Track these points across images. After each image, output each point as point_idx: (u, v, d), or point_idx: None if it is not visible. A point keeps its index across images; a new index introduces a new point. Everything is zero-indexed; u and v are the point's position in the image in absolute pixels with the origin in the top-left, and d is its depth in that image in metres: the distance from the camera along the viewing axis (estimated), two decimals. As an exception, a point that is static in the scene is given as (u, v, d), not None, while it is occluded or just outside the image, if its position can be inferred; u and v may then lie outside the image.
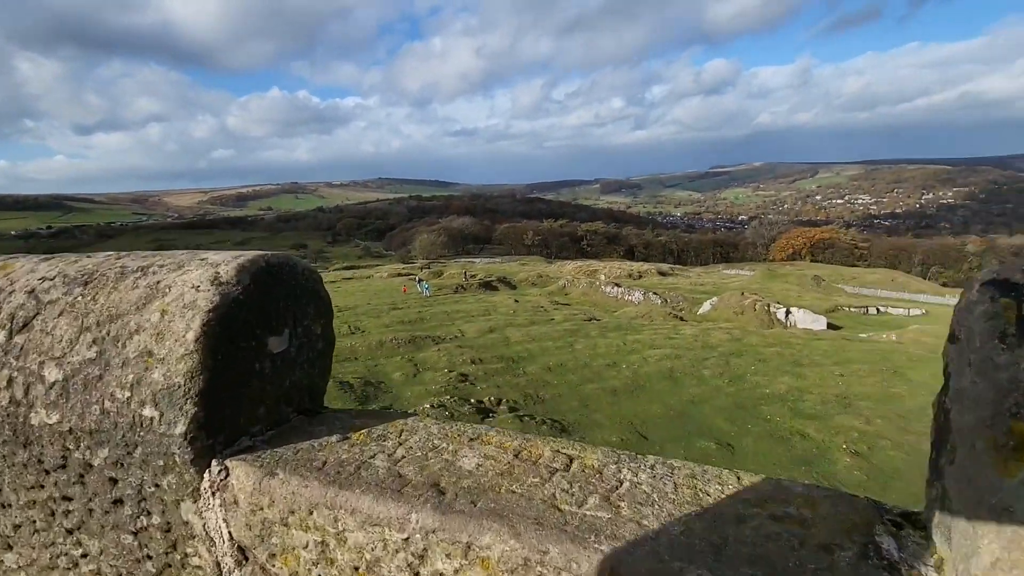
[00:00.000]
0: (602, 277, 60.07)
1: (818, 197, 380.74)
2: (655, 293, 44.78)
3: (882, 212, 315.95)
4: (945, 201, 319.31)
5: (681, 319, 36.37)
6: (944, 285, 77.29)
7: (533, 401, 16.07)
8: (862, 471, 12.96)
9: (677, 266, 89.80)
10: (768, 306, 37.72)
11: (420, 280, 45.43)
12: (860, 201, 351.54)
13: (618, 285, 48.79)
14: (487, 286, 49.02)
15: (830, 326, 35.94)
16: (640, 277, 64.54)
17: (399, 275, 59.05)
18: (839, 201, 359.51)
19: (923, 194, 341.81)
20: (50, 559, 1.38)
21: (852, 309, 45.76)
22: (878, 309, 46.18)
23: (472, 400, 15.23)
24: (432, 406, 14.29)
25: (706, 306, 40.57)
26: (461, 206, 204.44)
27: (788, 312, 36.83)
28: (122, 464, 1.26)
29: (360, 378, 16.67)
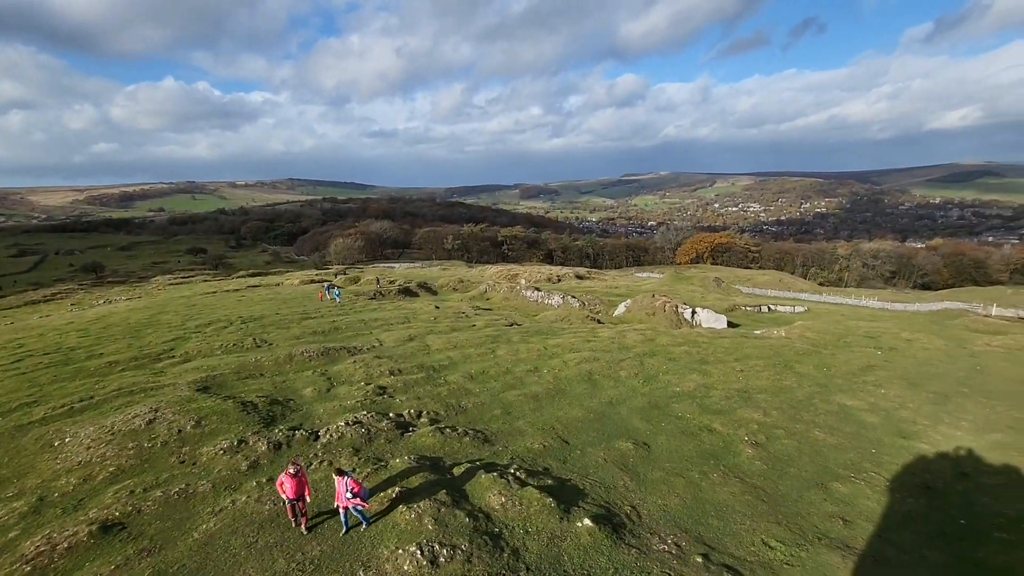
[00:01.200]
0: (523, 281, 60.83)
1: (716, 205, 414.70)
2: (573, 296, 46.04)
3: (770, 219, 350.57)
4: (819, 210, 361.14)
5: (598, 322, 37.65)
6: (821, 284, 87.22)
7: (455, 411, 15.69)
8: (762, 460, 14.00)
9: (594, 270, 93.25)
10: (676, 307, 40.14)
11: (331, 287, 43.30)
12: (751, 209, 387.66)
13: (538, 289, 49.59)
14: (407, 292, 47.72)
15: (730, 324, 38.96)
16: (559, 281, 66.15)
17: (312, 281, 55.80)
18: (734, 208, 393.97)
19: (802, 203, 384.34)
20: None
21: (748, 308, 50.02)
22: (769, 307, 50.90)
23: (391, 414, 14.55)
24: (347, 423, 13.45)
25: (621, 308, 42.38)
26: (379, 209, 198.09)
27: (694, 312, 39.42)
28: None
29: (265, 396, 15.34)
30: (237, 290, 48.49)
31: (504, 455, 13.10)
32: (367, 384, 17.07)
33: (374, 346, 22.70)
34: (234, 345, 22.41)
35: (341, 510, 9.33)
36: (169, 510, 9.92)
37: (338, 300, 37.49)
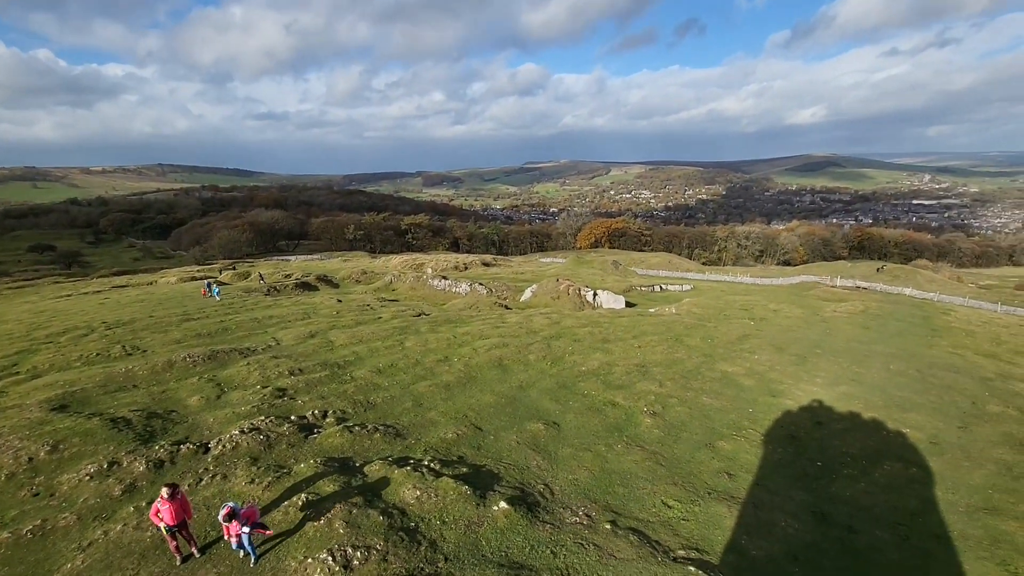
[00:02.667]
0: (429, 270, 59.89)
1: (612, 192, 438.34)
2: (481, 284, 46.27)
3: (659, 205, 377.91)
4: (701, 196, 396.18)
5: (506, 307, 38.25)
6: (704, 264, 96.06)
7: (363, 408, 15.11)
8: (660, 428, 15.19)
9: (500, 256, 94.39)
10: (579, 290, 41.98)
11: (210, 283, 39.62)
12: (643, 196, 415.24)
13: (445, 278, 49.14)
14: (305, 286, 44.84)
15: (628, 304, 41.58)
16: (466, 269, 66.06)
17: (194, 279, 50.37)
18: (628, 195, 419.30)
19: (686, 190, 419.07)
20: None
21: (643, 288, 53.71)
22: (661, 287, 55.06)
23: (292, 417, 13.65)
24: (242, 431, 12.39)
25: (527, 293, 43.41)
26: (269, 198, 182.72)
27: (595, 294, 41.49)
28: None
29: (140, 410, 13.63)
30: (99, 292, 42.35)
31: (418, 448, 12.90)
32: (264, 387, 15.83)
33: (270, 346, 21.09)
34: (98, 355, 19.60)
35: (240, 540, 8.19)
36: (21, 552, 8.48)
37: (217, 298, 34.49)
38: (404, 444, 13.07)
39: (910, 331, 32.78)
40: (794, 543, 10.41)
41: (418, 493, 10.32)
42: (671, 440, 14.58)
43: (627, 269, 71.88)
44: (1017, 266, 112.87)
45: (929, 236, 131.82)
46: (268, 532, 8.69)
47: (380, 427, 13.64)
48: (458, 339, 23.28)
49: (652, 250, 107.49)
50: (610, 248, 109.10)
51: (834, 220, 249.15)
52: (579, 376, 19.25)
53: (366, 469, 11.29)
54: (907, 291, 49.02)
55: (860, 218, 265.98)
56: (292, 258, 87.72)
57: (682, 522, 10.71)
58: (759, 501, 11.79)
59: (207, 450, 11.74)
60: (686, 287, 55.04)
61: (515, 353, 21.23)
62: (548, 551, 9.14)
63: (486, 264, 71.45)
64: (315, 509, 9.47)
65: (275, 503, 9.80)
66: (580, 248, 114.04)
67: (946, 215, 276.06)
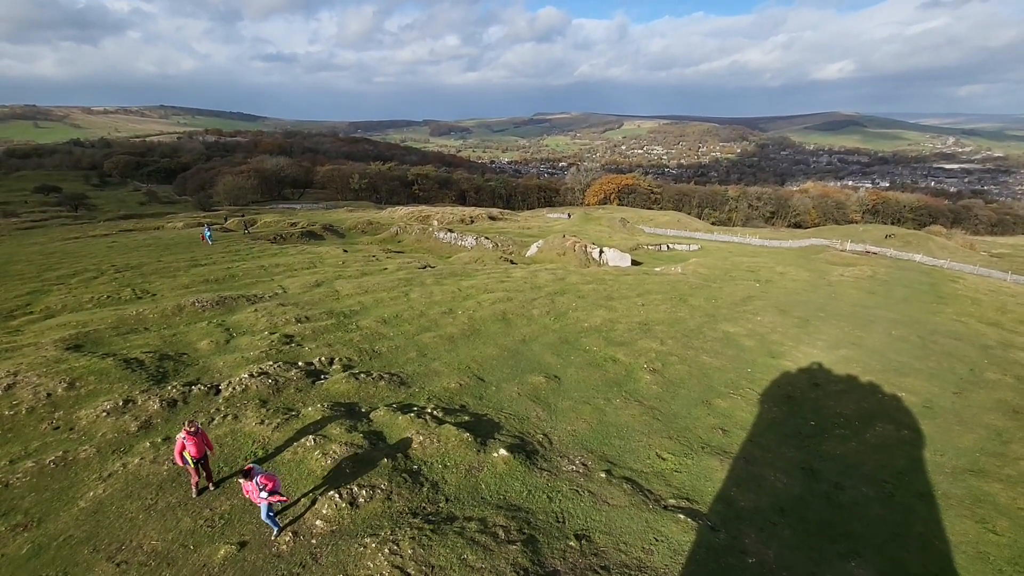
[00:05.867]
0: (435, 223, 59.54)
1: (623, 147, 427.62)
2: (487, 238, 46.08)
3: (671, 162, 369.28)
4: (714, 155, 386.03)
5: (512, 262, 38.25)
6: (713, 224, 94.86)
7: (369, 356, 15.45)
8: (658, 385, 15.50)
9: (507, 211, 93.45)
10: (585, 247, 41.77)
11: (209, 227, 40.06)
12: (655, 152, 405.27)
13: (451, 231, 48.92)
14: (311, 235, 44.87)
15: (633, 262, 41.46)
16: (472, 222, 65.62)
17: (199, 225, 50.43)
18: (639, 151, 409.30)
19: (699, 147, 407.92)
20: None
21: (649, 247, 53.35)
22: (668, 246, 54.65)
23: (300, 363, 14.01)
24: (251, 375, 12.76)
25: (533, 249, 43.27)
26: (274, 144, 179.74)
27: (601, 252, 41.31)
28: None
29: (153, 352, 14.01)
30: (107, 235, 42.60)
31: (421, 396, 13.27)
32: (271, 333, 16.16)
33: (277, 293, 21.35)
34: (108, 297, 19.95)
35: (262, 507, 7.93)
36: (46, 480, 8.97)
37: (210, 242, 35.64)
38: (408, 392, 13.45)
39: (916, 297, 32.65)
40: (781, 496, 10.82)
41: (421, 438, 10.71)
42: (669, 396, 14.90)
43: (635, 227, 71.16)
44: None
45: (946, 202, 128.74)
46: (286, 499, 8.15)
47: (385, 375, 13.99)
48: (463, 292, 23.44)
49: (661, 208, 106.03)
50: (619, 205, 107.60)
51: (850, 183, 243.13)
52: (582, 332, 19.47)
53: (372, 415, 11.67)
54: (917, 257, 48.44)
55: (877, 181, 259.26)
56: (298, 206, 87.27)
57: (675, 473, 11.11)
58: (751, 456, 12.17)
59: (218, 392, 12.14)
60: (694, 247, 54.60)
61: (519, 308, 21.41)
62: (545, 496, 9.57)
63: (492, 218, 70.88)
64: (322, 450, 9.88)
65: (285, 444, 10.22)
66: (588, 204, 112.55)
67: (966, 180, 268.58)
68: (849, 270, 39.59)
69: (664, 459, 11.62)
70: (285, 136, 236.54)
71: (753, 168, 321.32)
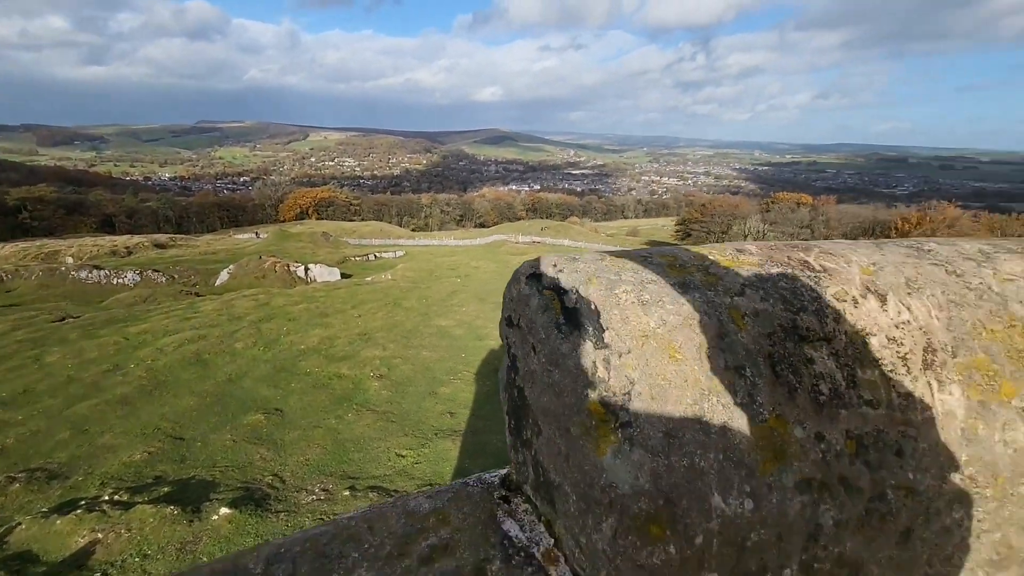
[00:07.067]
0: (70, 260, 45.10)
1: (312, 159, 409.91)
2: (155, 270, 37.71)
3: (365, 174, 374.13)
4: (405, 165, 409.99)
5: (197, 295, 32.43)
6: (413, 230, 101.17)
7: (-18, 457, 10.86)
8: (387, 389, 15.90)
9: (179, 236, 77.87)
10: (288, 266, 38.80)
11: None
12: (347, 164, 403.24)
13: (99, 268, 38.07)
14: None
15: (343, 275, 40.74)
16: (131, 253, 52.42)
17: None
18: (331, 163, 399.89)
19: (390, 159, 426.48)
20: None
21: (357, 258, 53.24)
22: (376, 255, 55.65)
23: None
24: None
25: (224, 276, 37.68)
26: None
27: (307, 269, 39.11)
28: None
29: None
30: None
31: (89, 484, 10.17)
32: None
33: None
34: None
35: None
36: None
37: None
38: (66, 486, 10.11)
39: (569, 272, 42.42)
40: (501, 455, 12.73)
41: (102, 536, 8.28)
42: (399, 397, 15.48)
43: (339, 240, 69.70)
44: (626, 219, 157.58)
45: (576, 199, 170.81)
46: None
47: (20, 475, 10.13)
48: (132, 341, 18.72)
49: (363, 219, 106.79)
50: (318, 219, 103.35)
51: (514, 187, 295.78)
52: (299, 355, 18.21)
53: (8, 538, 8.33)
54: (565, 242, 62.90)
55: (532, 184, 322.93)
56: None
57: (416, 465, 11.73)
58: (476, 429, 13.84)
59: None
60: (399, 253, 57.16)
61: (217, 344, 18.47)
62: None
63: (160, 246, 58.19)
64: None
65: None
66: (284, 221, 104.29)
67: (585, 182, 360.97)
68: (522, 257, 48.52)
69: (403, 456, 12.11)
70: None
71: (440, 177, 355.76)
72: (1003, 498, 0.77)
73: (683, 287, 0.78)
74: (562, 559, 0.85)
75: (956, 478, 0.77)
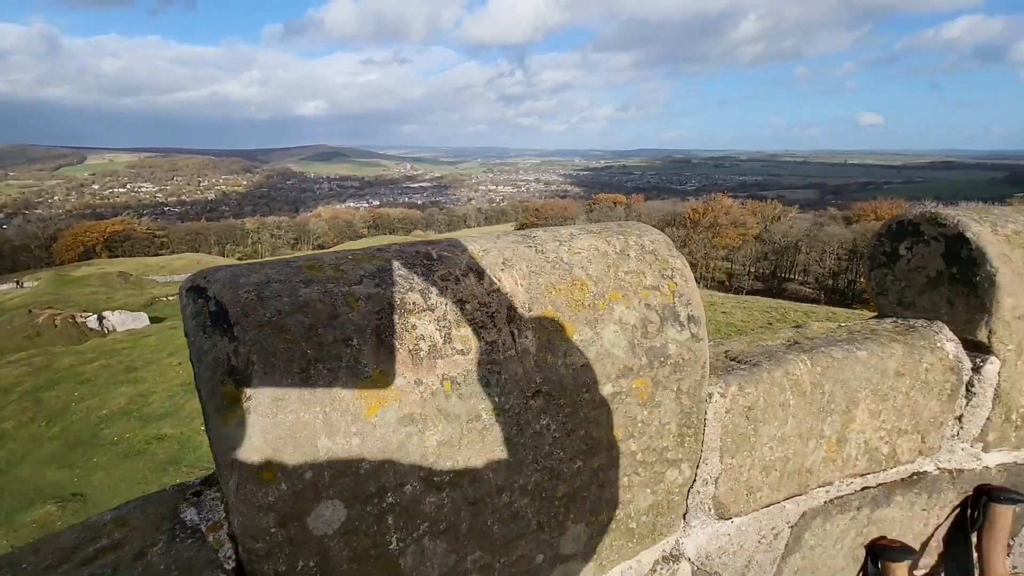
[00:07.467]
0: None
1: (95, 186, 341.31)
2: None
3: (170, 199, 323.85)
4: (220, 188, 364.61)
5: (-66, 371, 24.80)
6: (240, 259, 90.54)
7: None
8: (224, 441, 14.08)
9: None
10: (73, 317, 31.89)
11: None
12: (144, 189, 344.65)
13: None
14: None
15: (153, 320, 34.80)
16: None
17: None
18: (121, 190, 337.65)
19: (200, 182, 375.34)
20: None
21: (170, 297, 45.87)
22: (194, 292, 48.57)
23: None
24: None
25: (-25, 341, 29.40)
26: None
27: (101, 318, 32.60)
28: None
29: None
30: None
31: None
32: None
33: None
34: None
35: None
36: None
37: None
38: None
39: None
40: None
41: None
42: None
43: (142, 279, 59.38)
44: (469, 228, 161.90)
45: (419, 212, 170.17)
46: None
47: None
48: None
49: (172, 252, 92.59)
50: (111, 257, 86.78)
51: (351, 204, 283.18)
52: (101, 423, 15.14)
53: None
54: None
55: (370, 200, 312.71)
56: None
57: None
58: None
59: None
60: (225, 287, 50.74)
61: (-27, 430, 14.44)
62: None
63: None
64: None
65: None
66: (62, 263, 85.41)
67: (425, 194, 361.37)
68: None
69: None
70: None
71: (265, 199, 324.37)
72: (574, 404, 1.08)
73: (307, 282, 0.95)
74: (225, 526, 0.99)
75: (536, 396, 1.03)
